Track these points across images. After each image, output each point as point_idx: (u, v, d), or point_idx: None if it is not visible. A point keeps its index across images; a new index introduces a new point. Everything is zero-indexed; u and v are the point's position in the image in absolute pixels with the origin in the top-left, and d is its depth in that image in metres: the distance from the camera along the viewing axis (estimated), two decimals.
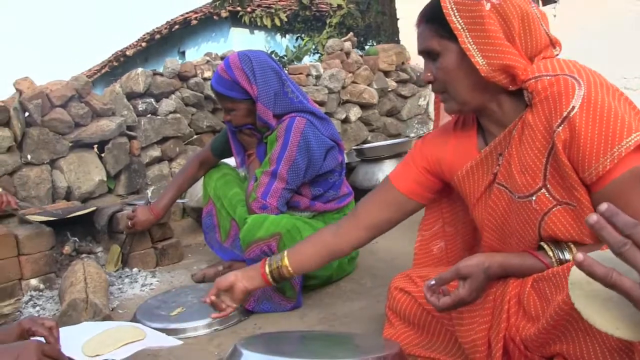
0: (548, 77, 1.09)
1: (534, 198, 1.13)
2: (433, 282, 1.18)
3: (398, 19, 5.29)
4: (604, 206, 0.66)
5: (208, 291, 2.11)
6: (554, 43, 1.19)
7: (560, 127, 1.05)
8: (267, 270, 1.52)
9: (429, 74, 1.22)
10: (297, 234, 1.89)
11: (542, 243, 1.16)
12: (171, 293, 2.15)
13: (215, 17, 9.84)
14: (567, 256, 1.12)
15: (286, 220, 1.89)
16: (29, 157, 2.99)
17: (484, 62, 1.11)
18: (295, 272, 1.52)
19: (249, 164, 2.23)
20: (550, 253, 1.13)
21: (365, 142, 4.45)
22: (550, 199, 1.11)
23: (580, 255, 0.68)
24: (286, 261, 1.50)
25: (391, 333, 1.39)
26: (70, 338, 1.40)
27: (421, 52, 1.23)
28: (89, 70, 11.94)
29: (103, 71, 11.94)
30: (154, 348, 1.56)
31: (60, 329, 1.38)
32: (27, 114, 3.06)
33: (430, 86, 4.64)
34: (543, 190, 1.12)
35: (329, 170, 2.11)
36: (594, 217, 0.66)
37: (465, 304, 1.17)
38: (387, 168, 3.47)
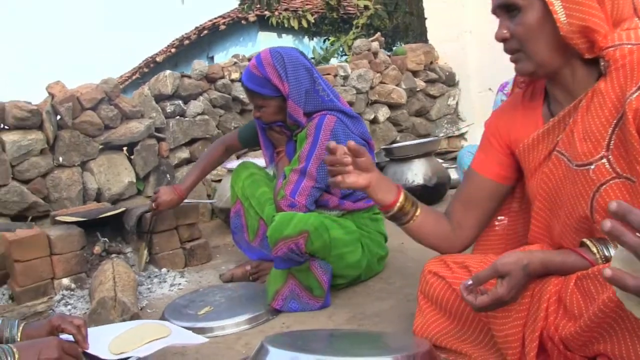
0: (629, 46, 1.04)
1: (592, 167, 1.08)
2: (470, 282, 1.14)
3: (426, 19, 5.22)
4: (613, 205, 0.63)
5: (235, 289, 2.12)
6: (638, 13, 1.13)
7: (635, 95, 1.00)
8: (402, 198, 1.37)
9: (504, 31, 1.16)
10: (325, 232, 1.85)
11: (584, 239, 1.11)
12: (199, 292, 2.15)
13: (243, 21, 9.92)
14: (613, 252, 1.05)
15: (314, 218, 1.86)
16: (60, 159, 3.05)
17: (566, 21, 1.06)
18: (412, 229, 1.40)
19: (278, 161, 2.22)
20: (594, 249, 1.08)
21: (393, 142, 4.40)
22: (610, 170, 1.06)
23: (608, 271, 0.65)
24: (418, 212, 1.39)
25: (421, 322, 1.35)
26: (99, 336, 1.41)
27: (500, 5, 1.16)
28: (120, 77, 12.17)
29: (134, 77, 12.16)
30: (179, 345, 1.55)
31: (90, 329, 1.39)
32: (58, 117, 3.11)
33: (459, 84, 4.49)
34: (604, 160, 1.07)
35: None
36: (608, 224, 0.63)
37: (504, 303, 1.12)
38: (416, 167, 3.42)
